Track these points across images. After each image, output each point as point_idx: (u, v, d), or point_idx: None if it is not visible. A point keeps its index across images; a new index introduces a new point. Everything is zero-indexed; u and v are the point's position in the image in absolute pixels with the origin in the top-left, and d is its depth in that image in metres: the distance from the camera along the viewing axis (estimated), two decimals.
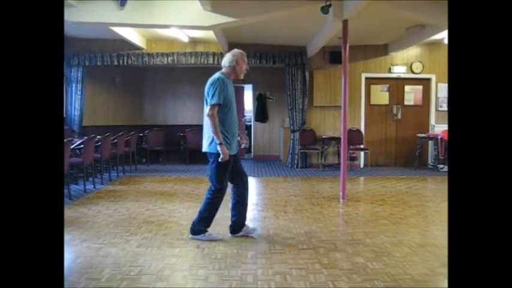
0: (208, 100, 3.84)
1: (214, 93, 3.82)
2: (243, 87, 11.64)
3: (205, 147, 4.02)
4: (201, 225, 4.11)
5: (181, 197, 6.34)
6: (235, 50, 4.11)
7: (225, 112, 3.92)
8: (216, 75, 3.96)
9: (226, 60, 4.07)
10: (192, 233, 4.15)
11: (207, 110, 3.84)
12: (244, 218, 4.26)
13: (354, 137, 9.54)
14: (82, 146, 6.73)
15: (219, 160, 3.85)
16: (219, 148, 3.81)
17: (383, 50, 9.92)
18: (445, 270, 3.30)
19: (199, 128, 10.66)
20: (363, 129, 9.99)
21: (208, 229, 4.13)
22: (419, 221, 4.94)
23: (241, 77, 4.14)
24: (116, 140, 8.24)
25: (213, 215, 4.13)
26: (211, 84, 3.87)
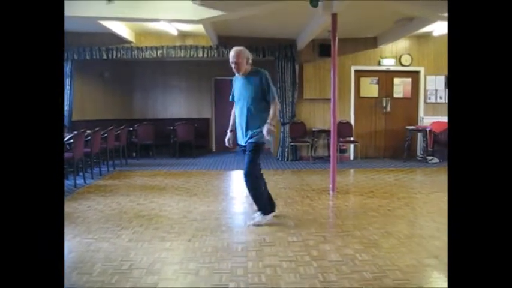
0: None
1: None
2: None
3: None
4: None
5: (171, 191, 6.35)
6: None
7: (236, 106, 4.44)
8: None
9: None
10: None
11: None
12: (262, 205, 4.47)
13: (343, 129, 9.59)
14: (72, 140, 6.69)
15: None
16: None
17: (372, 42, 9.96)
18: (432, 261, 3.38)
19: (189, 121, 10.78)
20: (352, 122, 10.06)
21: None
22: (407, 213, 5.02)
23: (235, 72, 4.34)
24: (105, 135, 8.21)
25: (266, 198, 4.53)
26: None
